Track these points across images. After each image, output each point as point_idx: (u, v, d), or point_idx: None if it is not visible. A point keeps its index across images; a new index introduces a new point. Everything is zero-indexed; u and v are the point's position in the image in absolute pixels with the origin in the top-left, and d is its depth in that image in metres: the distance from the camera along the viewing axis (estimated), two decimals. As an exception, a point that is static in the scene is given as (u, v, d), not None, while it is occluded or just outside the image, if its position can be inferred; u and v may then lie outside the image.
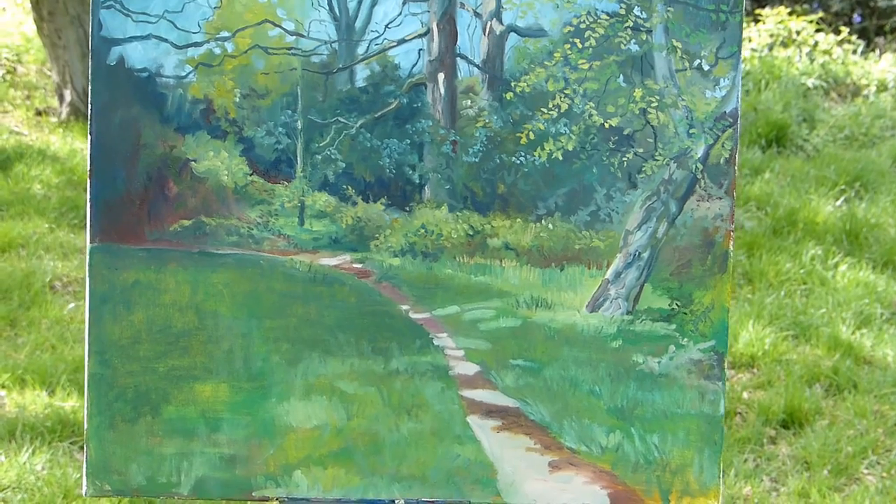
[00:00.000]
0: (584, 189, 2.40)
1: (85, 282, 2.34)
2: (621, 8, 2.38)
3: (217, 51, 2.34)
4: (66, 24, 8.54)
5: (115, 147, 2.33)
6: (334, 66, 2.36)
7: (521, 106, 2.39)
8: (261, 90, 2.35)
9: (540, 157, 2.39)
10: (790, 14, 11.22)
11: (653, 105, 2.40)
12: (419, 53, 2.37)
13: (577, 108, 2.39)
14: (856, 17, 12.67)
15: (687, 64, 2.40)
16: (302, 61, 2.35)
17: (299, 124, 2.36)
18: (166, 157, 2.34)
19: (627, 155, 2.40)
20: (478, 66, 2.38)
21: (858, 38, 11.30)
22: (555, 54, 2.39)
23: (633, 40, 2.39)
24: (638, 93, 2.40)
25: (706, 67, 2.41)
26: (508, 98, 2.39)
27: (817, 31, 11.02)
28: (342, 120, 2.37)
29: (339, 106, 2.37)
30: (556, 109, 2.39)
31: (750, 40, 10.83)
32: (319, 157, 2.37)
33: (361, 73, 2.37)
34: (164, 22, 2.32)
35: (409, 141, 2.38)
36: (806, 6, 12.69)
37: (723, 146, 2.41)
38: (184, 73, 2.34)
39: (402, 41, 2.37)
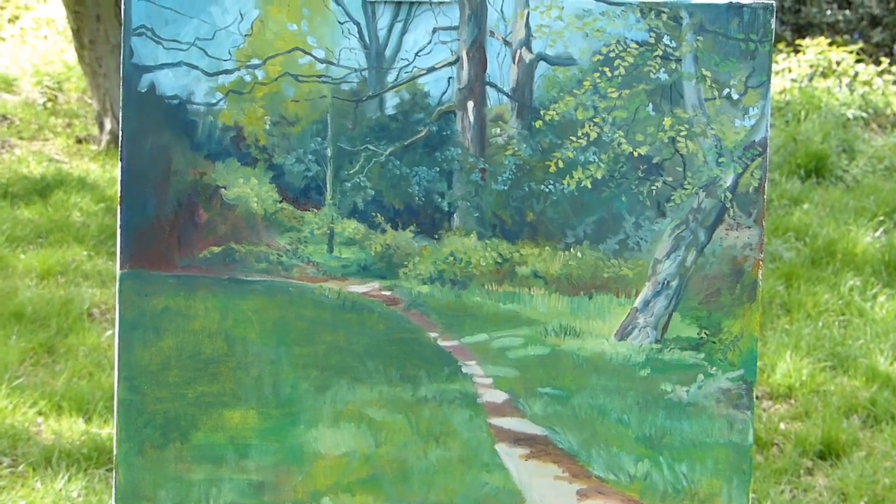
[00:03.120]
0: (613, 217, 2.40)
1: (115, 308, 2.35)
2: (651, 37, 2.39)
3: (248, 78, 2.35)
4: (106, 53, 8.59)
5: (145, 174, 2.35)
6: (364, 94, 2.37)
7: (550, 134, 2.39)
8: (291, 117, 2.37)
9: (569, 185, 2.39)
10: (830, 45, 11.20)
11: (682, 134, 2.40)
12: (449, 81, 2.38)
13: (607, 136, 2.39)
14: None
15: (716, 93, 2.40)
16: (332, 89, 2.37)
17: (329, 152, 2.37)
18: (196, 184, 2.36)
19: (656, 183, 2.40)
20: (507, 95, 2.39)
21: None
22: (584, 83, 2.39)
23: (663, 69, 2.39)
24: (667, 121, 2.40)
25: (735, 96, 2.40)
26: (538, 126, 2.39)
27: (857, 61, 10.99)
28: (372, 147, 2.38)
29: (368, 133, 2.38)
30: (586, 138, 2.39)
31: (790, 70, 10.82)
32: (349, 184, 2.38)
33: (391, 101, 2.38)
34: (195, 49, 2.34)
35: (438, 169, 2.39)
36: (847, 37, 12.66)
37: (752, 175, 2.40)
38: (214, 101, 2.35)
39: (431, 69, 2.38)
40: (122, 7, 2.33)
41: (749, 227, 2.41)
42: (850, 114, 9.37)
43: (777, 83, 10.33)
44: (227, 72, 2.35)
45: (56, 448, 4.57)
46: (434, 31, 2.38)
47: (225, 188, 2.36)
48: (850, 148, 8.68)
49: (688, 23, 2.39)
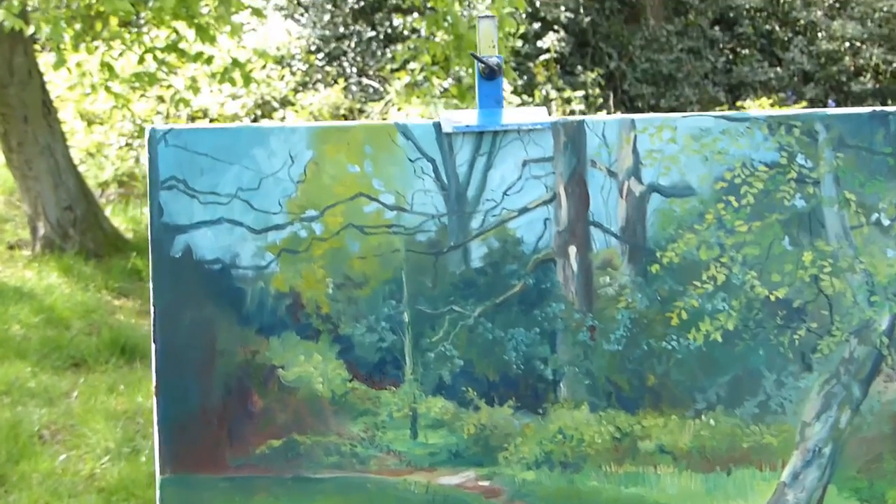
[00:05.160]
0: (750, 375, 1.99)
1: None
2: (782, 157, 1.99)
3: (303, 233, 1.94)
4: (35, 155, 8.19)
5: (185, 356, 1.92)
6: (445, 245, 1.96)
7: (669, 280, 1.98)
8: (358, 278, 1.95)
9: (695, 339, 1.98)
10: (772, 105, 11.08)
11: (826, 270, 2.00)
12: (545, 224, 1.97)
13: (737, 278, 1.99)
14: (830, 104, 12.48)
15: (863, 219, 2.00)
16: (405, 241, 1.95)
17: (406, 317, 1.96)
18: (248, 365, 1.93)
19: (799, 331, 2.00)
20: (615, 236, 1.98)
21: None
22: (706, 216, 1.99)
23: (799, 194, 2.00)
24: (807, 257, 2.00)
25: (886, 222, 2.01)
26: (654, 271, 1.98)
27: None
28: (457, 308, 1.97)
29: (452, 292, 1.96)
30: (712, 282, 1.99)
31: None
32: (432, 354, 1.96)
33: (477, 251, 1.97)
34: (238, 202, 1.93)
35: (538, 329, 1.97)
36: (780, 94, 12.50)
37: (911, 314, 2.01)
38: (264, 263, 1.93)
39: (523, 210, 1.97)
40: (147, 156, 1.91)
41: (911, 378, 2.01)
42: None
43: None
44: (277, 227, 1.94)
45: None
46: (524, 164, 1.97)
47: (283, 368, 1.94)
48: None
49: (825, 138, 2.00)
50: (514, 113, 2.00)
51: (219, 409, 1.93)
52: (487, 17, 2.00)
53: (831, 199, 2.00)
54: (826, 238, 2.00)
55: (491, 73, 1.99)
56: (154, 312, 1.92)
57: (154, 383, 1.92)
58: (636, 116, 1.99)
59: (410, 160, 1.95)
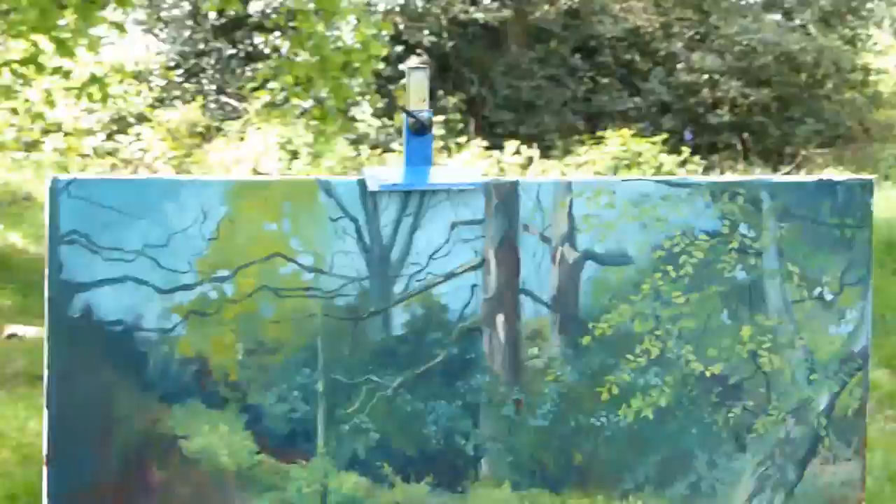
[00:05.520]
0: (682, 455, 1.90)
1: None
2: (724, 226, 1.89)
3: (213, 295, 1.80)
4: None
5: (80, 424, 1.78)
6: (365, 311, 1.84)
7: (601, 353, 1.88)
8: (270, 344, 1.82)
9: (626, 416, 1.89)
10: (633, 136, 11.17)
11: (765, 346, 1.91)
12: (472, 290, 1.86)
13: (672, 352, 1.89)
14: (687, 135, 12.56)
15: (805, 293, 1.92)
16: (323, 305, 1.82)
17: (320, 386, 1.83)
18: (148, 435, 1.80)
19: (734, 410, 1.91)
20: (546, 305, 1.87)
21: (694, 154, 11.35)
22: (643, 286, 1.88)
23: (740, 265, 1.90)
24: (746, 331, 1.90)
25: (829, 297, 1.92)
26: (585, 343, 1.88)
27: (663, 151, 11.00)
28: (375, 378, 1.84)
29: (370, 361, 1.84)
30: (646, 355, 1.89)
31: (594, 163, 10.74)
32: (346, 426, 1.84)
33: (399, 318, 1.84)
34: (145, 259, 1.78)
35: (460, 402, 1.86)
36: (639, 124, 12.55)
37: (851, 395, 1.93)
38: (170, 325, 1.80)
39: (450, 275, 1.85)
40: (47, 209, 1.76)
41: (849, 460, 1.94)
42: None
43: (581, 175, 10.17)
44: (186, 287, 1.80)
45: None
46: (453, 226, 1.85)
47: (185, 438, 1.81)
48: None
49: (769, 206, 1.90)
50: (444, 171, 1.87)
51: (115, 483, 1.79)
52: (419, 68, 1.87)
53: (773, 272, 1.91)
54: (766, 312, 1.91)
55: (421, 129, 1.86)
56: (48, 376, 1.78)
57: (45, 452, 1.78)
58: (573, 179, 1.88)
59: (332, 219, 1.82)
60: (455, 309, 1.86)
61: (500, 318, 1.86)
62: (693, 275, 1.89)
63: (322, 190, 1.82)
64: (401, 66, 12.52)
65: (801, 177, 1.97)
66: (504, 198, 1.86)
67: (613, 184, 1.88)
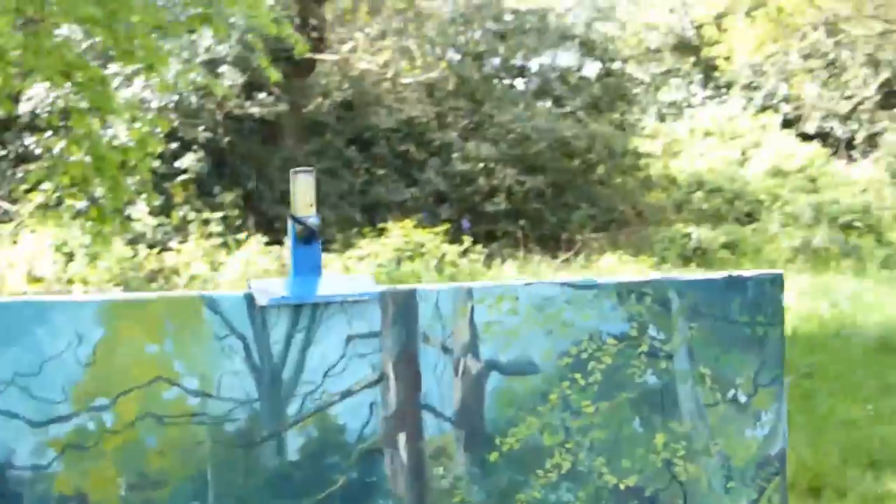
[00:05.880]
0: (598, 573, 1.80)
1: None
2: (633, 328, 1.81)
3: (91, 426, 1.67)
4: None
5: (-52, 573, 1.63)
6: (257, 435, 1.71)
7: (509, 470, 1.78)
8: (155, 476, 1.69)
9: (538, 535, 1.78)
10: (415, 227, 11.34)
11: (679, 454, 1.82)
12: (371, 408, 1.75)
13: (584, 465, 1.80)
14: (464, 224, 12.74)
15: (719, 396, 1.84)
16: (211, 431, 1.70)
17: (211, 519, 1.70)
18: (24, 582, 1.65)
19: (651, 522, 1.81)
20: (450, 420, 1.76)
21: (476, 244, 11.51)
22: (550, 396, 1.79)
23: (650, 369, 1.82)
24: (659, 439, 1.82)
25: (743, 399, 1.85)
26: (493, 460, 1.77)
27: (444, 241, 11.16)
28: (270, 508, 1.72)
29: (265, 489, 1.72)
30: (556, 470, 1.79)
31: (376, 256, 10.84)
32: (241, 561, 1.71)
33: (294, 442, 1.72)
34: (15, 390, 1.65)
35: (362, 529, 1.74)
36: (419, 214, 12.68)
37: (769, 501, 1.84)
38: (45, 462, 1.66)
39: (347, 393, 1.74)
40: None
41: (770, 570, 1.85)
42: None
43: (364, 268, 10.32)
44: (61, 419, 1.66)
45: None
46: (348, 340, 1.74)
47: (65, 584, 1.66)
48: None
49: (678, 306, 1.82)
50: (335, 281, 1.77)
51: None
52: (305, 171, 1.77)
53: (685, 374, 1.83)
54: (679, 418, 1.82)
55: (310, 236, 1.75)
56: None
57: None
58: (474, 285, 1.78)
59: (218, 337, 1.70)
60: (353, 429, 1.74)
61: (402, 437, 1.75)
62: (602, 381, 1.80)
63: (206, 306, 1.70)
64: (176, 164, 12.42)
65: (710, 273, 1.90)
66: (401, 307, 1.75)
67: (516, 289, 1.79)
